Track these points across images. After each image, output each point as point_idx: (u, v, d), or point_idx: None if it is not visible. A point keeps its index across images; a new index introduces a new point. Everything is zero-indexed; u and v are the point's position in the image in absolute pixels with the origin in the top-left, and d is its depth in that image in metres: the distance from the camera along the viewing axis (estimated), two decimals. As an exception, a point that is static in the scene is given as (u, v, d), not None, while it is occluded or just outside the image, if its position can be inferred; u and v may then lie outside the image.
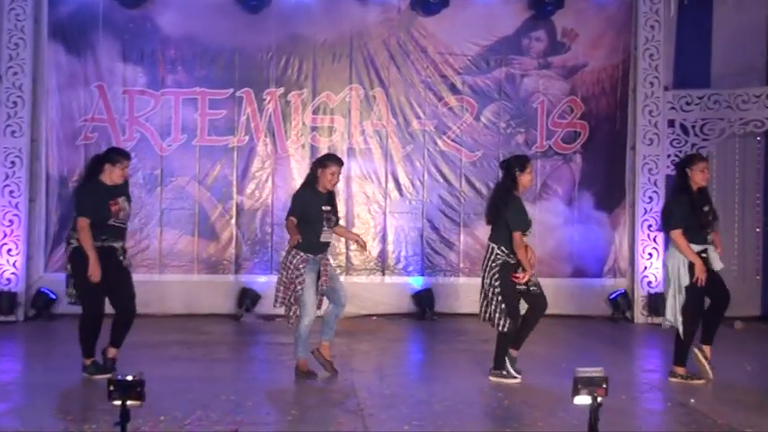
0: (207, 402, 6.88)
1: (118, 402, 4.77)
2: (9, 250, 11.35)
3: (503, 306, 7.74)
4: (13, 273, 11.33)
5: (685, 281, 7.86)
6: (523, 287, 7.84)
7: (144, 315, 11.31)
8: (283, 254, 8.00)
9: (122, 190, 8.05)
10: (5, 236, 11.33)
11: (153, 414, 6.22)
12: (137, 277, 11.53)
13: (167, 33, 11.83)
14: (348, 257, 12.09)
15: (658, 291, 11.68)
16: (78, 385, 7.60)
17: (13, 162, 11.38)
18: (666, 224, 8.05)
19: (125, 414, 4.77)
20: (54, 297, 11.38)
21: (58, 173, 11.69)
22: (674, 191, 8.26)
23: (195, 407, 6.71)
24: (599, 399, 4.86)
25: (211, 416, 6.50)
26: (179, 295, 11.81)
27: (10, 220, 11.36)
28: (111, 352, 7.96)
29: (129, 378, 4.78)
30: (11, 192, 11.37)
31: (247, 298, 11.76)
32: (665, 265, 8.19)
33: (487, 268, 7.83)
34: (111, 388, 4.76)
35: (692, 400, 7.27)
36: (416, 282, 12.19)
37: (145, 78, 11.88)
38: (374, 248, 12.13)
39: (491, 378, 7.92)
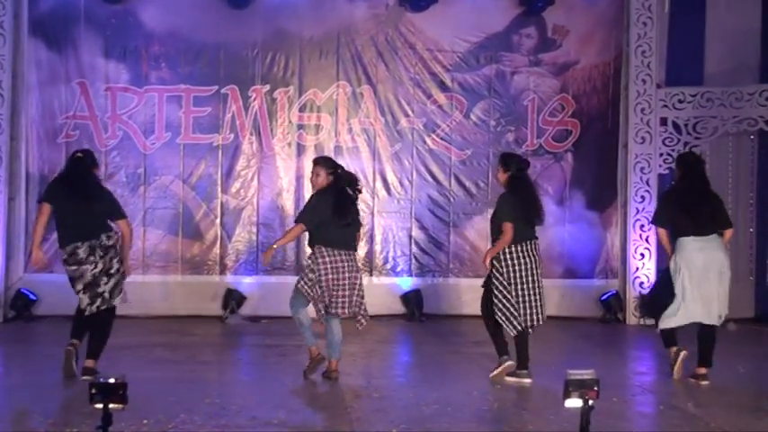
0: (191, 406, 6.77)
1: (100, 405, 4.66)
2: (-12, 250, 11.17)
3: None
4: (-8, 273, 11.15)
5: None
6: None
7: (127, 316, 11.21)
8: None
9: None
10: (-16, 235, 11.15)
11: (136, 417, 6.10)
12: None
13: (151, 29, 11.68)
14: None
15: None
16: (59, 388, 7.46)
17: (-8, 161, 11.21)
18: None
19: (107, 417, 4.67)
20: (34, 298, 11.22)
21: (39, 171, 11.52)
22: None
23: (179, 410, 6.60)
24: (590, 401, 4.78)
25: (195, 419, 6.39)
26: (163, 296, 11.67)
27: (-11, 220, 11.18)
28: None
29: (112, 381, 4.68)
30: (-10, 191, 11.20)
31: (233, 299, 11.63)
32: (715, 260, 7.98)
33: (540, 265, 7.93)
34: (93, 391, 4.66)
35: (690, 404, 7.18)
36: (405, 282, 12.08)
37: (128, 75, 11.73)
38: (362, 248, 11.98)
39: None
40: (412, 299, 11.89)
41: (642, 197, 11.74)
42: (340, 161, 11.77)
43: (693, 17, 11.88)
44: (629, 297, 11.78)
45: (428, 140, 12.10)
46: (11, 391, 7.50)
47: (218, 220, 11.87)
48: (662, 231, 8.24)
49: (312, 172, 8.01)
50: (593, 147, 12.18)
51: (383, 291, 12.00)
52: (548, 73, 12.13)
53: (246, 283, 11.80)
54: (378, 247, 12.06)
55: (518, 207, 7.86)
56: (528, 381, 7.81)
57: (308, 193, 11.90)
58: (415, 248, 12.11)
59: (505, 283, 7.82)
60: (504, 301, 7.83)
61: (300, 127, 11.99)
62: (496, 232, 7.90)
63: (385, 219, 12.10)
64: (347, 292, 7.80)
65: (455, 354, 9.60)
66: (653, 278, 11.62)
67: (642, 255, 11.74)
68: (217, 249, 11.85)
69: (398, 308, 11.96)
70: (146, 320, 11.17)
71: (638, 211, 11.74)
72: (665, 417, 7.02)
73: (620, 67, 12.04)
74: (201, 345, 9.91)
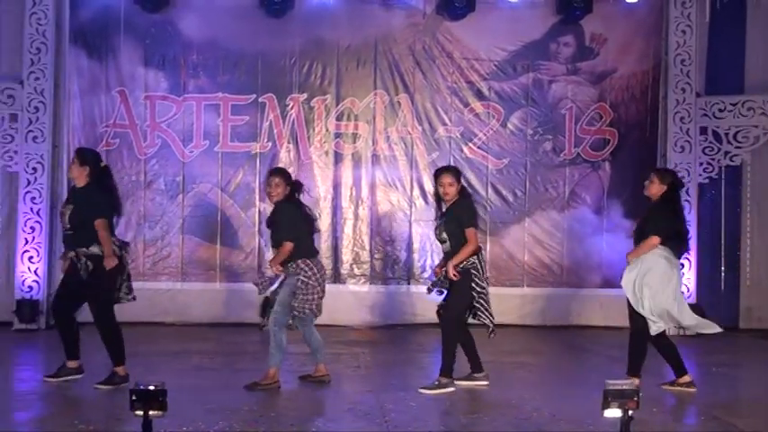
0: (229, 413, 6.79)
1: (140, 412, 4.68)
2: (31, 257, 11.27)
3: None
4: (34, 280, 11.24)
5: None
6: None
7: (165, 324, 11.31)
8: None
9: (73, 195, 8.07)
10: (27, 243, 11.24)
11: (175, 424, 6.10)
12: (158, 285, 11.65)
13: (189, 38, 11.75)
14: (372, 266, 11.94)
15: (690, 302, 11.48)
16: (100, 395, 7.50)
17: (34, 168, 11.29)
18: None
19: (147, 424, 4.70)
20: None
21: (80, 179, 11.56)
22: None
23: (218, 417, 6.62)
24: (630, 412, 4.73)
25: (234, 426, 6.40)
26: (201, 304, 11.70)
27: (32, 227, 11.27)
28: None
29: (151, 388, 4.69)
30: (32, 198, 11.29)
31: (270, 307, 11.56)
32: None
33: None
34: (133, 398, 4.72)
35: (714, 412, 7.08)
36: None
37: (166, 83, 11.80)
38: (400, 257, 11.98)
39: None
40: (449, 308, 11.82)
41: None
42: (377, 170, 11.96)
43: (733, 25, 11.76)
44: (668, 307, 11.67)
45: (465, 149, 12.06)
46: (52, 397, 7.54)
47: (255, 228, 11.89)
48: None
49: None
50: (631, 156, 12.08)
51: (421, 299, 11.94)
52: (585, 81, 12.06)
53: (284, 291, 11.78)
54: (416, 256, 12.02)
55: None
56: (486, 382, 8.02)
57: (344, 201, 11.98)
58: (452, 257, 12.05)
59: (486, 291, 7.96)
60: (488, 303, 7.96)
61: (338, 135, 12.00)
62: (457, 239, 7.92)
63: (422, 227, 12.05)
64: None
65: (491, 362, 9.47)
66: (693, 287, 11.54)
67: (681, 264, 11.58)
68: (254, 257, 11.87)
69: (435, 316, 11.89)
70: (183, 328, 11.22)
71: (677, 220, 11.64)
72: (706, 428, 6.92)
73: (659, 76, 11.94)
74: (239, 352, 9.92)
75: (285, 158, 11.89)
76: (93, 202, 7.74)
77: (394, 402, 7.37)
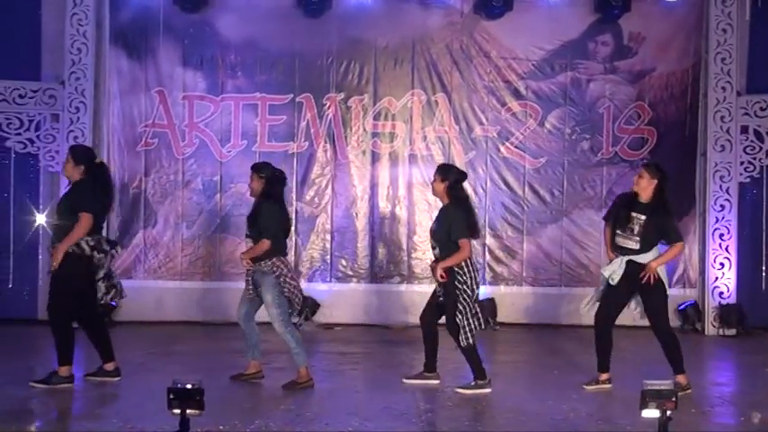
0: (266, 412, 6.84)
1: (177, 411, 4.70)
2: (70, 256, 11.33)
3: None
4: (74, 279, 11.30)
5: None
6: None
7: (202, 323, 11.37)
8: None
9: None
10: (66, 242, 11.32)
11: (212, 423, 6.15)
12: (196, 285, 11.71)
13: (227, 38, 11.80)
14: (409, 266, 11.93)
15: (730, 302, 11.43)
16: (137, 392, 7.56)
17: (75, 168, 11.35)
18: None
19: (185, 423, 4.70)
20: (114, 304, 11.34)
21: (119, 179, 11.64)
22: None
23: (254, 416, 6.66)
24: (668, 412, 4.69)
25: (271, 425, 6.44)
26: (238, 303, 11.70)
27: (71, 226, 11.34)
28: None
29: (189, 387, 4.70)
30: (72, 198, 11.36)
31: (307, 306, 11.62)
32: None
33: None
34: (171, 396, 4.71)
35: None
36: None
37: (204, 83, 11.85)
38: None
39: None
40: (486, 307, 11.74)
41: (722, 206, 11.53)
42: (414, 169, 11.94)
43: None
44: (707, 307, 11.57)
45: (502, 149, 12.02)
46: (88, 393, 7.63)
47: (292, 228, 11.89)
48: None
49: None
50: (670, 155, 11.92)
51: (457, 299, 11.94)
52: (623, 80, 11.96)
53: (320, 290, 11.82)
54: (452, 256, 11.98)
55: (471, 222, 8.01)
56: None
57: (381, 201, 11.99)
58: (488, 257, 12.04)
59: (471, 294, 7.85)
60: (474, 313, 7.87)
61: (375, 135, 12.00)
62: (444, 246, 7.89)
63: (459, 227, 12.01)
64: None
65: (528, 363, 9.52)
66: (733, 287, 11.45)
67: (722, 264, 11.54)
68: (291, 256, 11.86)
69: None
70: (221, 327, 11.25)
71: (717, 219, 11.53)
72: (745, 429, 6.87)
73: (699, 75, 11.83)
74: (276, 351, 9.91)
75: (322, 158, 11.92)
76: (85, 195, 7.72)
77: (430, 402, 7.39)
